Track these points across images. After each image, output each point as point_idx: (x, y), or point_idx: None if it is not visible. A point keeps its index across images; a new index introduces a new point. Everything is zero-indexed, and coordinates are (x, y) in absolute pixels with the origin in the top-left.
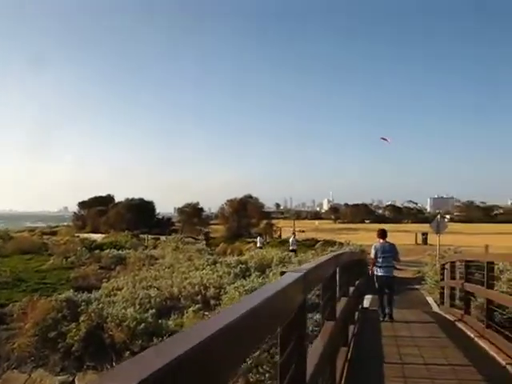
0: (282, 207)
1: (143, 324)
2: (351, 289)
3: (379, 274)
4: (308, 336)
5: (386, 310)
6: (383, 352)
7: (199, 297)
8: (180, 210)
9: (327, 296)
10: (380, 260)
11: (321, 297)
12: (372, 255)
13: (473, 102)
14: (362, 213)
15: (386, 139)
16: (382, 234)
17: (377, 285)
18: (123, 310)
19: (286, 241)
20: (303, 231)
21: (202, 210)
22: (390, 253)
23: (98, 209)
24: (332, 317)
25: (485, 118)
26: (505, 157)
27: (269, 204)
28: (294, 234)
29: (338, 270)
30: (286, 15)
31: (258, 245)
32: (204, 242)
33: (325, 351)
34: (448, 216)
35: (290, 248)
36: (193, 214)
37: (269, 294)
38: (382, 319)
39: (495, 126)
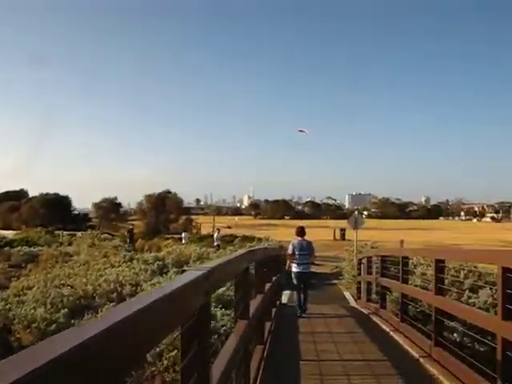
0: (202, 203)
1: (54, 325)
2: (268, 285)
3: (297, 270)
4: (224, 335)
5: (303, 306)
6: (300, 349)
7: (115, 295)
8: (97, 206)
9: (240, 293)
10: (298, 257)
11: (234, 294)
12: (290, 251)
13: (386, 102)
14: (281, 209)
15: (303, 131)
16: (301, 231)
17: (295, 281)
18: (33, 311)
19: (206, 237)
20: (229, 227)
21: (119, 205)
22: (307, 250)
23: (9, 204)
24: (245, 315)
25: (399, 117)
26: (420, 155)
27: (189, 199)
28: (218, 229)
29: (253, 265)
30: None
31: (184, 241)
32: (128, 240)
33: (237, 351)
34: (365, 212)
35: (215, 244)
36: (110, 209)
37: (160, 295)
38: (299, 315)
39: (410, 125)
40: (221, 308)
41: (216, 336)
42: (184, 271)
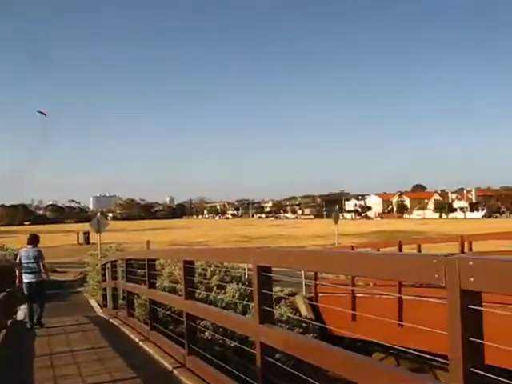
0: None
1: None
2: None
3: (27, 280)
4: None
5: (36, 319)
6: (35, 379)
7: None
8: None
9: None
10: (27, 266)
11: None
12: (17, 261)
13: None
14: (20, 214)
15: (43, 113)
16: (31, 239)
17: (26, 292)
18: None
19: None
20: None
21: None
22: (36, 259)
23: None
24: None
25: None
26: (162, 155)
27: None
28: None
29: None
30: None
31: None
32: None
33: None
34: (110, 214)
35: None
36: None
37: None
38: (31, 327)
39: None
40: None
41: None
42: None
